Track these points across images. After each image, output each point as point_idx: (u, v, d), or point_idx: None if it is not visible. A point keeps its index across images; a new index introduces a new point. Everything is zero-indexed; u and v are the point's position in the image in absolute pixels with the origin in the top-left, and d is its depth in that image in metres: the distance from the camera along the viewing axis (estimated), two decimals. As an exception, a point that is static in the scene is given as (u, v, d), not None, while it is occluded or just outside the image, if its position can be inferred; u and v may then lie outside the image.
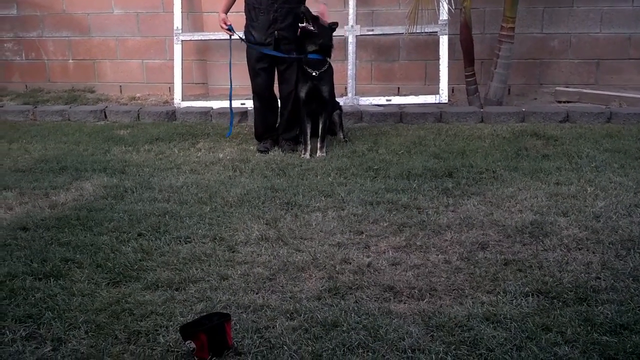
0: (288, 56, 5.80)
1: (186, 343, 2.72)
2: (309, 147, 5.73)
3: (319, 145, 5.73)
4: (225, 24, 5.92)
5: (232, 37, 6.02)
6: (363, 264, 3.46)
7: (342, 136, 6.21)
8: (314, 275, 3.36)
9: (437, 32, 7.37)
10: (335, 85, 6.03)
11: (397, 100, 7.53)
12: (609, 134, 6.07)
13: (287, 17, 5.72)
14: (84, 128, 7.06)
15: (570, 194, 4.43)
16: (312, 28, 5.57)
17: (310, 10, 5.67)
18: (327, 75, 5.79)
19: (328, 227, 3.97)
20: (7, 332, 2.89)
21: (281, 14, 5.72)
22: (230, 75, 6.09)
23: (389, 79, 8.04)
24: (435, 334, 2.78)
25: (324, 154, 5.67)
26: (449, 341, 2.71)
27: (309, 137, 5.77)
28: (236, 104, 7.48)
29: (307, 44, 5.68)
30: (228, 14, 5.99)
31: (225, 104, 7.59)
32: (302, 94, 5.72)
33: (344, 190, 4.64)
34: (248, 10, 5.85)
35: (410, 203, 4.34)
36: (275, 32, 5.74)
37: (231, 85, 6.16)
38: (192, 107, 7.64)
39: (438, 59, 7.41)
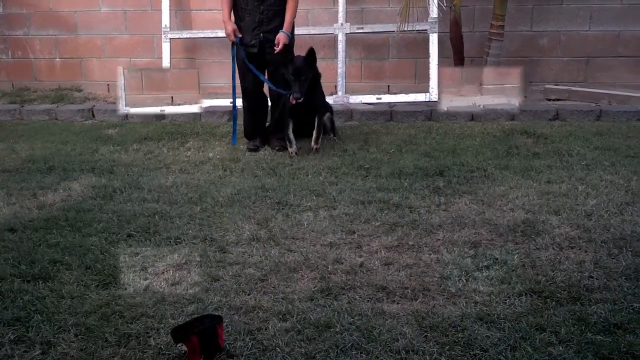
0: (276, 89, 5.73)
1: (177, 346, 2.70)
2: (293, 143, 5.68)
3: (314, 137, 5.71)
4: (234, 35, 5.69)
5: (234, 46, 5.81)
6: (355, 264, 3.44)
7: (332, 135, 6.19)
8: (306, 276, 3.34)
9: (427, 30, 7.36)
10: (324, 84, 5.99)
11: (387, 98, 7.52)
12: (599, 131, 6.09)
13: (273, 20, 5.66)
14: (71, 127, 6.99)
15: (562, 193, 4.43)
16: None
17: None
18: (316, 86, 5.75)
19: (320, 227, 3.95)
20: (-5, 336, 2.85)
21: (267, 16, 5.65)
22: (234, 86, 6.00)
23: (379, 77, 8.03)
24: (429, 335, 2.76)
25: (318, 145, 5.67)
26: (442, 342, 2.70)
27: (291, 131, 5.69)
28: (225, 102, 7.45)
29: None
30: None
31: (214, 102, 7.59)
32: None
33: (335, 190, 4.62)
34: (236, 9, 5.79)
35: (401, 202, 4.33)
36: (261, 34, 5.68)
37: (234, 96, 6.05)
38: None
39: (428, 57, 7.40)
